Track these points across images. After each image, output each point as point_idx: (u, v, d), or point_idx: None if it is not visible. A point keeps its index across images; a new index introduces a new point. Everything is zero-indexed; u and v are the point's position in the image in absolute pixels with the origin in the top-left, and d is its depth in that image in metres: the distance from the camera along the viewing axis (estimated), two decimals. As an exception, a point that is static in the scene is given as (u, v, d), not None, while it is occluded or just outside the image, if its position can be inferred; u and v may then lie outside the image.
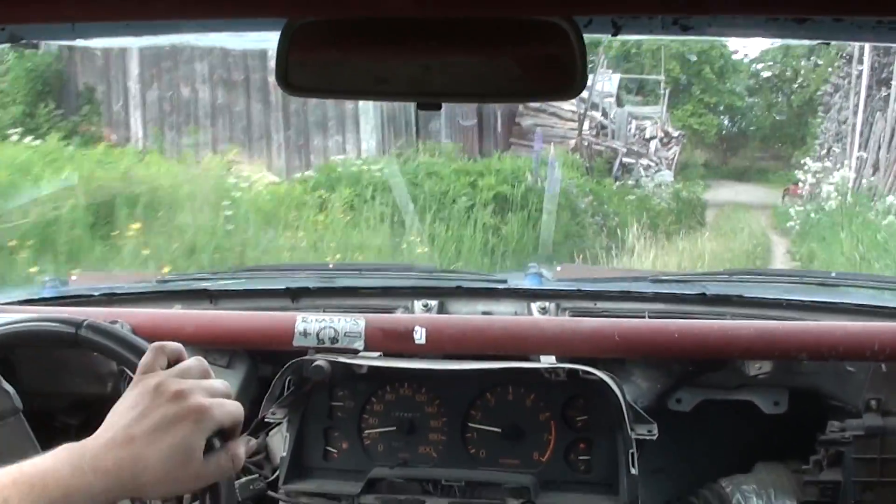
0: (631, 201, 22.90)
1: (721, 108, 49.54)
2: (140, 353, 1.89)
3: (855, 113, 24.40)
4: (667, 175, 31.16)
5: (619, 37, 1.63)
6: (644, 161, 30.81)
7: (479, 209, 15.29)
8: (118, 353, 2.01)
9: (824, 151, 32.41)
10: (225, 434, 1.64)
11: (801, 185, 38.51)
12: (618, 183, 26.02)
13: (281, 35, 1.52)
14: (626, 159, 29.27)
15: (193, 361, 1.76)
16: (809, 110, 46.40)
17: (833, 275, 3.35)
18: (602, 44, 26.03)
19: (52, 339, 2.10)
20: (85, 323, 2.02)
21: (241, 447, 1.68)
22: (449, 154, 18.30)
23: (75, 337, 2.02)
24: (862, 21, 1.59)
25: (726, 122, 52.12)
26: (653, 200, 24.94)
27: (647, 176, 29.16)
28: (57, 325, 2.07)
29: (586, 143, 27.19)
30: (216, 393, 1.68)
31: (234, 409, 1.67)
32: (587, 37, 1.50)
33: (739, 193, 41.24)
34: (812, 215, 23.95)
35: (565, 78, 1.52)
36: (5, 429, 2.18)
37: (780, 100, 52.92)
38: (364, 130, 18.02)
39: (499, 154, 20.59)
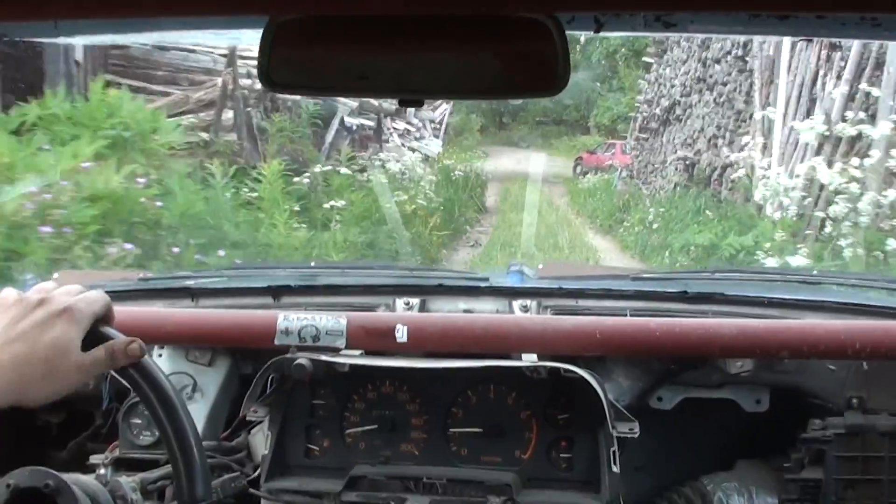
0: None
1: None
2: (172, 419, 1.90)
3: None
4: (432, 144, 28.77)
5: (602, 34, 1.63)
6: (400, 125, 27.08)
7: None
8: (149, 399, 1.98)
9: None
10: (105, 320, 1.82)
11: (600, 152, 40.57)
12: (324, 167, 17.53)
13: (263, 32, 1.52)
14: (361, 121, 22.82)
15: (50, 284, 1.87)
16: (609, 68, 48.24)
17: (815, 272, 3.36)
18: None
19: None
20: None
21: (126, 342, 1.82)
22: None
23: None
24: (845, 17, 1.60)
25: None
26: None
27: (402, 145, 25.28)
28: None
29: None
30: (74, 292, 1.81)
31: (97, 296, 1.82)
32: (569, 34, 1.51)
33: (521, 162, 39.86)
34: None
35: (547, 75, 1.53)
36: None
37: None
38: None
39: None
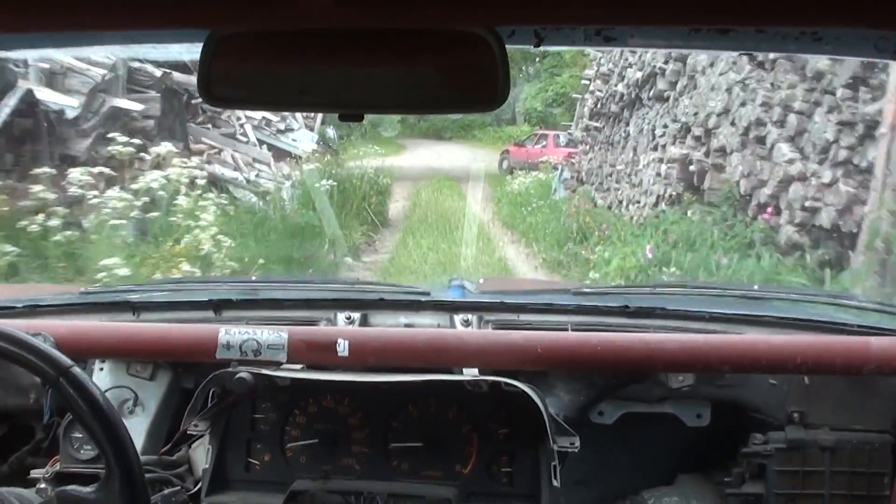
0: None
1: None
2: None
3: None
4: (303, 139, 21.41)
5: (542, 48, 1.64)
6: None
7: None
8: (82, 417, 1.96)
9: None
10: None
11: (529, 145, 34.56)
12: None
13: (204, 46, 1.51)
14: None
15: None
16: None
17: (756, 287, 3.38)
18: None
19: (31, 369, 2.05)
20: (70, 370, 1.97)
21: None
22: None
23: (55, 381, 1.96)
24: (784, 32, 1.62)
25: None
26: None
27: (258, 141, 20.01)
28: (46, 360, 2.01)
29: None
30: None
31: None
32: (509, 48, 1.51)
33: (441, 156, 35.10)
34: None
35: (487, 89, 1.53)
36: None
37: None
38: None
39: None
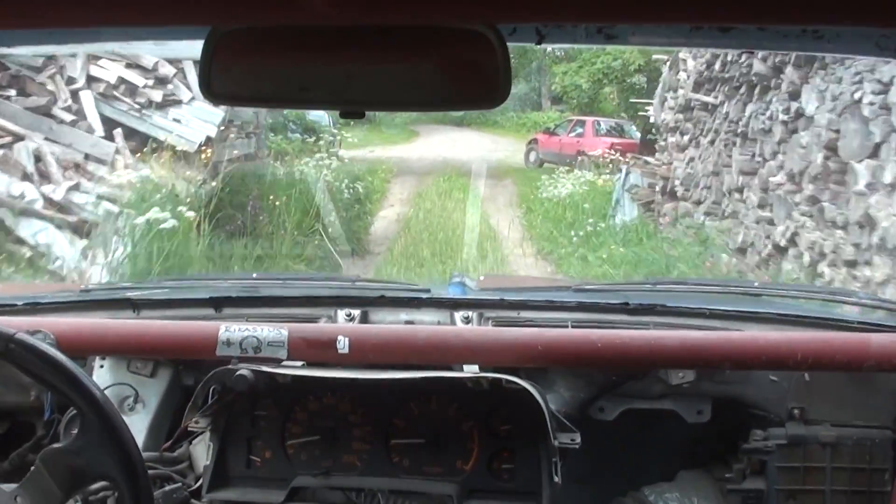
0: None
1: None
2: (66, 377, 1.89)
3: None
4: (198, 117, 13.73)
5: (543, 45, 1.64)
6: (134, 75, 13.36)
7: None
8: (41, 376, 1.96)
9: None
10: None
11: (562, 133, 29.13)
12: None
13: (205, 43, 1.51)
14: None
15: None
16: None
17: (756, 284, 3.38)
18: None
19: None
20: (15, 336, 1.97)
21: None
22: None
23: (4, 350, 1.97)
24: (786, 30, 1.62)
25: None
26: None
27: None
28: None
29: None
30: None
31: None
32: (511, 45, 1.51)
33: (457, 144, 31.50)
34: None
35: (489, 86, 1.53)
36: None
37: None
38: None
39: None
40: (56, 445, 1.94)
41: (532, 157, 30.20)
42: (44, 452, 1.93)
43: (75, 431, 2.62)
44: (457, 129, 40.04)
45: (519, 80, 41.73)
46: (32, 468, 1.93)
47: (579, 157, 25.01)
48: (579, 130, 29.00)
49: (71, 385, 1.89)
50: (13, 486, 1.96)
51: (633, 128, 28.85)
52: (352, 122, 23.42)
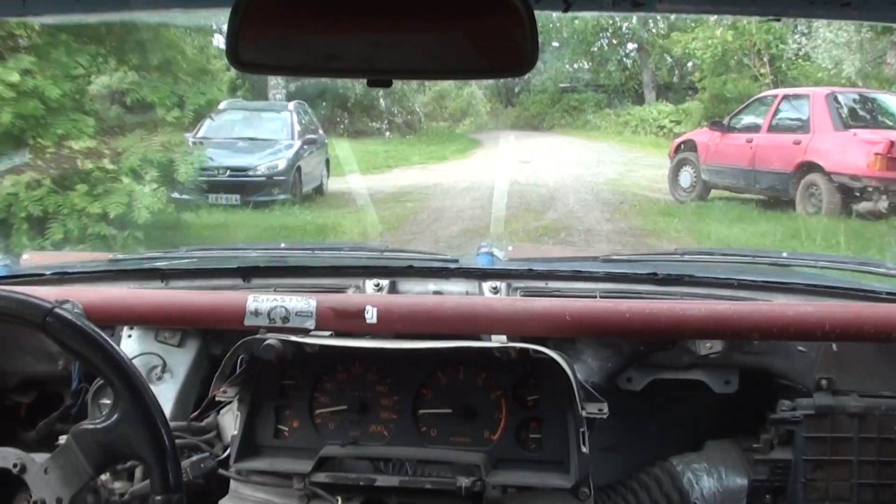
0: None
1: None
2: (103, 354, 1.89)
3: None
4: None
5: (570, 13, 1.63)
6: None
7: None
8: (78, 351, 1.96)
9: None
10: None
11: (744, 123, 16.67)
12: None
13: (232, 11, 1.51)
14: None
15: None
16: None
17: (784, 255, 3.36)
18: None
19: (16, 320, 2.04)
20: (54, 310, 1.96)
21: None
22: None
23: (41, 323, 1.96)
24: None
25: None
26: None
27: None
28: (26, 306, 2.00)
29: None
30: None
31: None
32: (538, 13, 1.50)
33: (536, 156, 22.56)
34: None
35: (516, 54, 1.52)
36: None
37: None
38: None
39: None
40: (88, 426, 1.94)
41: (685, 177, 17.47)
42: (75, 429, 1.94)
43: (103, 401, 2.65)
44: (534, 133, 31.11)
45: (613, 68, 34.60)
46: (63, 443, 1.94)
47: (807, 181, 14.70)
48: (795, 116, 16.06)
49: (108, 363, 1.89)
50: (45, 456, 1.97)
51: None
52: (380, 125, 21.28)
